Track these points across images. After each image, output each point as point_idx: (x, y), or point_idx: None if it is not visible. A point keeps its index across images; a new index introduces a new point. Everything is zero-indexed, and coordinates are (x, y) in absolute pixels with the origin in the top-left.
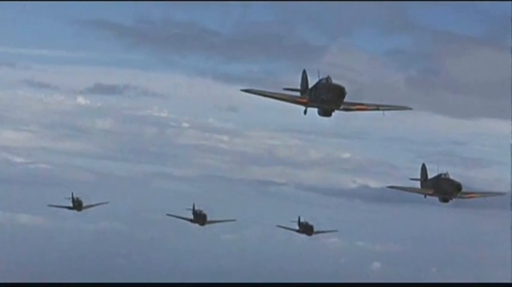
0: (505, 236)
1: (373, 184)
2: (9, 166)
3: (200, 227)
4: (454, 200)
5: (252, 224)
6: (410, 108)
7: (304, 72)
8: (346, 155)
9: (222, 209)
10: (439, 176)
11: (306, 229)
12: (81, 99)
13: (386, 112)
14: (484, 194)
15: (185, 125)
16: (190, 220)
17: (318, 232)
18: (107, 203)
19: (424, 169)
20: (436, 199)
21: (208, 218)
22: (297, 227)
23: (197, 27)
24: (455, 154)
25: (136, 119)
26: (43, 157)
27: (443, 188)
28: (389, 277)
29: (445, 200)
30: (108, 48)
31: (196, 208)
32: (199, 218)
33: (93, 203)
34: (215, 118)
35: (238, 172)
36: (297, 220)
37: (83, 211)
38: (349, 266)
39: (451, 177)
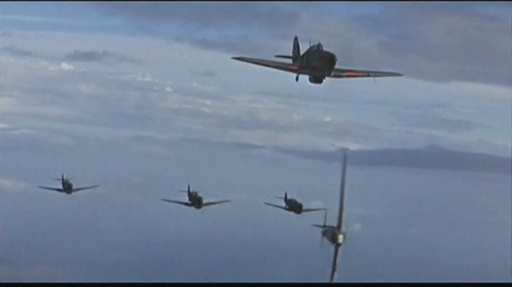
0: (481, 198)
1: (353, 146)
2: None
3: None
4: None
5: (234, 187)
6: (402, 75)
7: (295, 39)
8: (328, 118)
9: (203, 173)
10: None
11: (294, 206)
12: (65, 65)
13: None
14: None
15: (168, 89)
16: (186, 203)
17: (307, 210)
18: (97, 186)
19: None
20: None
21: (204, 201)
22: (284, 204)
23: None
24: (437, 117)
25: (120, 84)
26: (26, 123)
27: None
28: (370, 237)
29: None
30: (85, 15)
31: (191, 190)
32: (195, 201)
33: (82, 186)
34: (198, 82)
35: (220, 136)
36: (283, 196)
37: (73, 193)
38: None
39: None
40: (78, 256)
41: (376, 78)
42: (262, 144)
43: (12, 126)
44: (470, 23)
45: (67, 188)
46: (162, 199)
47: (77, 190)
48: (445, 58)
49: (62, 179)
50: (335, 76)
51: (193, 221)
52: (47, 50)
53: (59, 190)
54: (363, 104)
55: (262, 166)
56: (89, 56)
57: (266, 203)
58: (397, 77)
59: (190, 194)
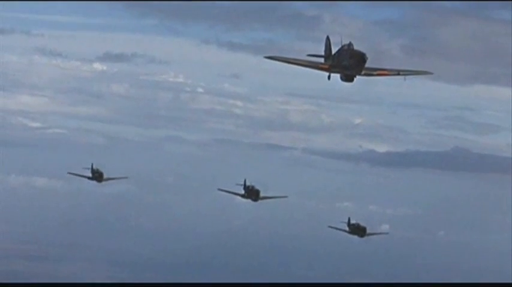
0: (508, 200)
1: (380, 148)
2: (25, 131)
3: (252, 202)
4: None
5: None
6: (431, 73)
7: (327, 38)
8: (357, 120)
9: (234, 173)
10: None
11: (357, 230)
12: (97, 65)
13: (392, 79)
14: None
15: (200, 90)
16: (242, 195)
17: (370, 234)
18: (126, 178)
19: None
20: None
21: (261, 194)
22: (347, 228)
23: None
24: (463, 119)
25: (152, 84)
26: (59, 122)
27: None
28: (397, 239)
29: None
30: (115, 16)
31: (248, 183)
32: (252, 193)
33: (112, 176)
34: (229, 83)
35: (251, 137)
36: (346, 220)
37: (103, 182)
38: None
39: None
40: (107, 254)
41: (404, 83)
42: (292, 145)
43: (45, 126)
44: (489, 27)
45: (97, 176)
46: (219, 189)
47: (108, 179)
48: (467, 61)
49: (92, 168)
50: (366, 75)
51: (226, 219)
52: (79, 50)
53: (88, 177)
54: (392, 107)
55: (292, 167)
56: (119, 57)
57: (330, 227)
58: (424, 81)
59: (246, 187)
